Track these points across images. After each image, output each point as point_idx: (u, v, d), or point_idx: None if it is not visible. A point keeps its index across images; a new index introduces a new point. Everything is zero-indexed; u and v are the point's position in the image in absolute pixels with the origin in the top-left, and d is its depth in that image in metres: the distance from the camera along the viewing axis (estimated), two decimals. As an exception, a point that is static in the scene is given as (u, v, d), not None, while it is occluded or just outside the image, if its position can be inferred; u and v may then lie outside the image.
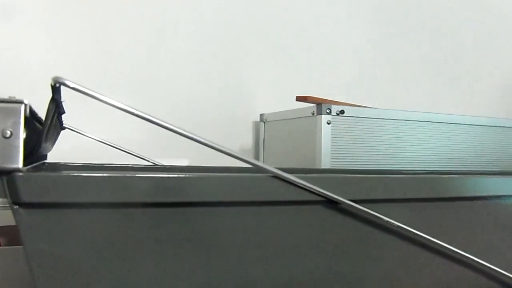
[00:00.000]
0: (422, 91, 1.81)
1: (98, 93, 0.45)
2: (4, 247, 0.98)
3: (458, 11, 1.87)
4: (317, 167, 1.16)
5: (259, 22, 1.57)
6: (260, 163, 0.51)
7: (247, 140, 1.55)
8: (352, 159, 1.20)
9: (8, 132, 0.41)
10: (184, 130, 0.47)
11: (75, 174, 0.44)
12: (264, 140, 1.48)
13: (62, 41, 1.33)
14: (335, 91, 1.58)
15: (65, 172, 0.44)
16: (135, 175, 0.45)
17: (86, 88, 0.45)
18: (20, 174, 0.42)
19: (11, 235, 1.01)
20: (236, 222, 0.52)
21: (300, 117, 1.27)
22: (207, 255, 0.51)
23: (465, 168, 1.32)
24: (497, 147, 1.37)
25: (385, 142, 1.24)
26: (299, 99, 1.23)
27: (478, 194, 0.68)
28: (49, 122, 0.46)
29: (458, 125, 1.32)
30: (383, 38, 1.74)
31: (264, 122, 1.48)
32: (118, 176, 0.46)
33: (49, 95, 0.50)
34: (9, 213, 1.02)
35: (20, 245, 0.96)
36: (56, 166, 0.73)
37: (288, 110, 1.33)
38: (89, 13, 1.36)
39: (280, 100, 1.53)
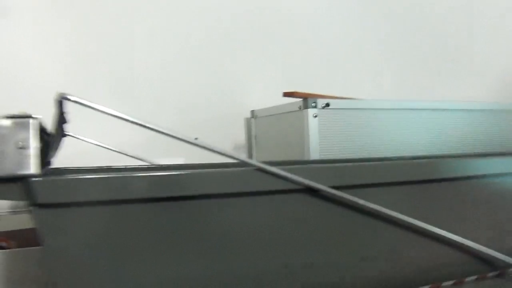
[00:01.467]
0: (415, 79, 1.85)
1: (97, 104, 0.51)
2: (15, 249, 1.02)
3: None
4: (306, 159, 1.22)
5: (249, 20, 1.62)
6: (244, 158, 0.58)
7: (240, 136, 1.60)
8: (340, 150, 1.25)
9: (21, 143, 0.47)
10: (172, 131, 0.53)
11: (83, 177, 0.50)
12: (256, 136, 1.54)
13: (55, 40, 1.37)
14: (325, 86, 1.62)
15: (73, 175, 0.50)
16: (135, 175, 0.52)
17: (86, 100, 0.51)
18: (34, 179, 0.48)
19: (21, 238, 1.06)
20: (226, 213, 0.59)
21: (288, 112, 1.33)
22: (199, 246, 0.57)
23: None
24: (485, 132, 1.42)
25: (372, 132, 1.29)
26: (286, 94, 1.29)
27: (453, 175, 0.75)
28: (56, 133, 0.52)
29: (444, 111, 1.38)
30: (375, 28, 1.79)
31: (255, 118, 1.54)
32: (119, 176, 0.52)
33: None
34: (19, 217, 1.08)
35: (30, 246, 1.02)
36: (61, 171, 0.79)
37: (277, 106, 1.39)
38: (81, 15, 1.40)
39: (271, 97, 1.58)
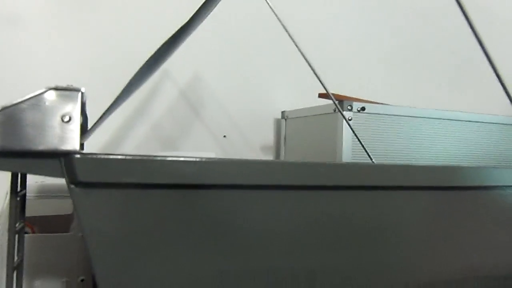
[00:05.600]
0: (437, 89, 1.82)
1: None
2: (38, 234, 1.03)
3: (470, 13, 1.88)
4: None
5: (281, 20, 1.60)
6: None
7: (269, 137, 1.58)
8: (373, 155, 1.22)
9: (67, 117, 0.45)
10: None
11: (125, 157, 0.48)
12: (285, 136, 1.51)
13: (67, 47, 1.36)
14: (354, 89, 1.60)
15: (115, 155, 0.47)
16: (181, 159, 0.49)
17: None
18: (77, 155, 0.46)
19: (44, 224, 1.06)
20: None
21: (321, 114, 1.30)
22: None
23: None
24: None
25: (405, 139, 1.26)
26: (321, 95, 1.26)
27: None
28: (108, 113, 0.50)
29: (477, 123, 1.34)
30: (401, 37, 1.77)
31: (285, 119, 1.51)
32: (163, 159, 0.49)
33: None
34: (42, 202, 1.07)
35: (52, 232, 1.01)
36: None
37: (310, 107, 1.36)
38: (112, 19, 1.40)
39: (301, 98, 1.55)
